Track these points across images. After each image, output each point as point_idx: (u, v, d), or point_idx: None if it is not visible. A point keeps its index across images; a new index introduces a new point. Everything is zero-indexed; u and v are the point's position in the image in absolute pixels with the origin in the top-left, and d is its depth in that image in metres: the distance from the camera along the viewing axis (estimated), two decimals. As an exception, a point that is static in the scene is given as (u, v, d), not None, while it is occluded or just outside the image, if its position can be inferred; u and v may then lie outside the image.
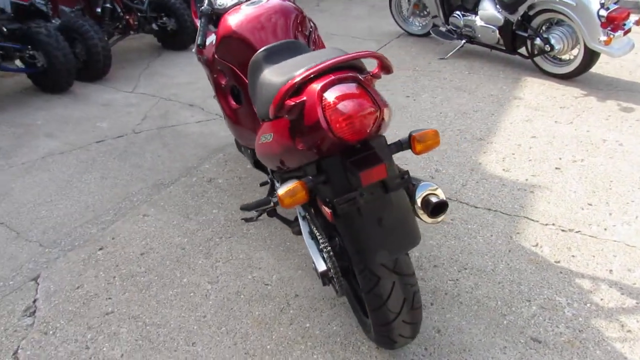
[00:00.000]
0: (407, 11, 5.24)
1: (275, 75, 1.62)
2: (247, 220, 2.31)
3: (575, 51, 3.94)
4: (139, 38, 5.52)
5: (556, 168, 2.88)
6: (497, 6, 4.20)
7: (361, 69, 1.41)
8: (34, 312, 2.07)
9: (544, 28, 4.05)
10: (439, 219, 1.56)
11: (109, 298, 2.12)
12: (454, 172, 2.89)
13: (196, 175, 2.97)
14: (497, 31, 4.23)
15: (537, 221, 2.46)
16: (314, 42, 2.26)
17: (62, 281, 2.21)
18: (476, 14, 4.38)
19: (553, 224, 2.43)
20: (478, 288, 2.08)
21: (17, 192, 2.89)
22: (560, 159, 2.97)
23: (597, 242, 2.30)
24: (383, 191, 1.34)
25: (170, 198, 2.77)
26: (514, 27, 4.12)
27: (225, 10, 2.24)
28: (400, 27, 5.33)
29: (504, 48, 4.32)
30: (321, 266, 1.61)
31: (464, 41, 4.56)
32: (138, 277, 2.22)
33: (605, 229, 2.37)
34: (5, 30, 3.94)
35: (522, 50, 4.25)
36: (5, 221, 2.65)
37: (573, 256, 2.23)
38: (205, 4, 2.31)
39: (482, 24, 4.31)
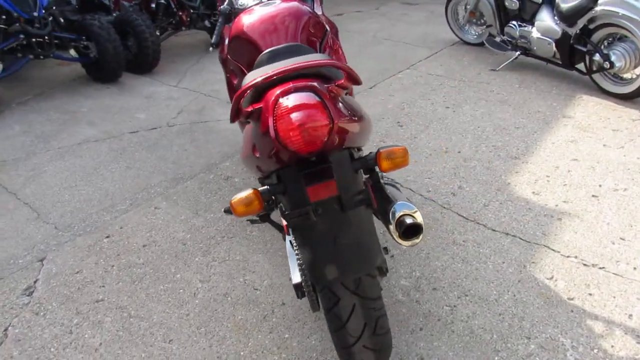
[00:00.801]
0: (463, 19, 5.03)
1: (251, 78, 1.57)
2: (252, 222, 2.28)
3: (638, 70, 3.61)
4: (193, 34, 5.68)
5: (593, 196, 2.64)
6: (555, 18, 3.93)
7: (329, 78, 1.33)
8: (32, 292, 2.14)
9: (605, 43, 3.73)
10: (412, 242, 1.46)
11: (103, 286, 2.16)
12: (478, 191, 2.72)
13: (214, 172, 2.99)
14: (554, 44, 3.96)
15: (558, 252, 2.25)
16: (328, 47, 2.19)
17: (65, 265, 2.29)
18: (533, 25, 4.13)
19: (575, 257, 2.22)
20: (475, 317, 1.93)
21: (48, 175, 3.03)
22: (600, 186, 2.71)
23: (622, 282, 2.07)
24: (340, 208, 1.26)
25: (185, 193, 2.80)
26: (572, 41, 3.84)
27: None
28: (456, 34, 5.14)
29: (560, 62, 4.03)
30: (296, 278, 1.55)
31: (518, 53, 4.31)
32: (134, 268, 2.25)
33: (635, 268, 2.13)
34: (62, 21, 4.16)
35: (580, 65, 3.95)
36: (30, 202, 2.78)
37: (590, 294, 2.02)
38: (225, 4, 2.32)
39: (539, 35, 4.05)
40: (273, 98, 1.22)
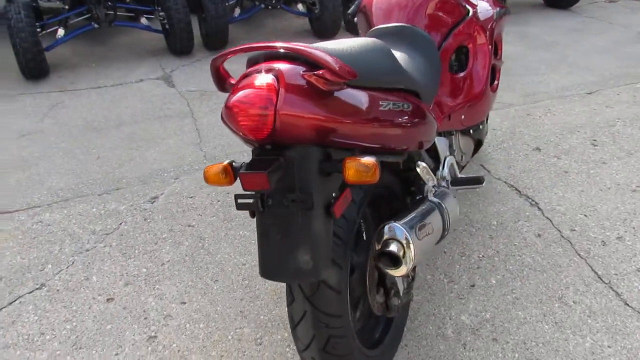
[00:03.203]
0: None
1: None
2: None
3: None
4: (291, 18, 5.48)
5: None
6: None
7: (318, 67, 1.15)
8: (154, 202, 2.54)
9: None
10: (390, 270, 1.24)
11: (200, 215, 2.42)
12: (632, 241, 2.09)
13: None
14: None
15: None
16: (463, 33, 1.90)
17: (186, 188, 2.62)
18: None
19: None
20: (517, 394, 1.55)
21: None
22: None
23: None
24: (285, 205, 1.13)
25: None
26: None
27: None
28: None
29: None
30: None
31: None
32: (232, 208, 2.44)
33: None
34: None
35: None
36: (201, 129, 3.23)
37: None
38: None
39: None
40: (243, 73, 1.15)
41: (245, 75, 1.12)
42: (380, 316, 1.58)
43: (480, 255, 2.12)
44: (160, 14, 4.34)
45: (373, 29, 1.83)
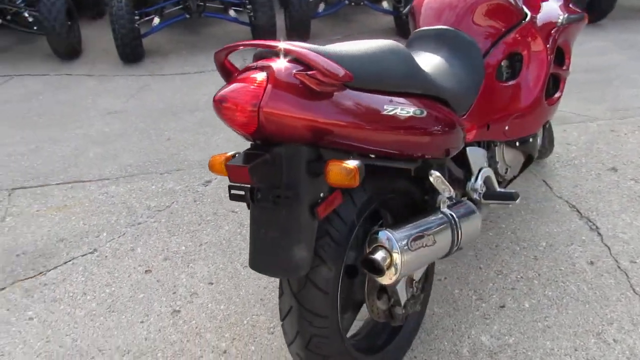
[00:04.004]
0: None
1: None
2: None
3: None
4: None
5: None
6: None
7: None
8: (207, 185, 2.67)
9: None
10: (373, 275, 1.22)
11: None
12: None
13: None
14: None
15: None
16: (517, 39, 1.79)
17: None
18: None
19: None
20: None
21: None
22: None
23: None
24: (272, 199, 1.15)
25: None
26: None
27: None
28: None
29: None
30: None
31: None
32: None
33: None
34: None
35: None
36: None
37: None
38: None
39: None
40: (242, 69, 1.17)
41: (244, 71, 1.15)
42: (385, 323, 1.55)
43: (519, 276, 1.99)
44: (248, 6, 4.53)
45: (416, 30, 1.79)
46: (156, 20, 4.48)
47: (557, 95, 2.03)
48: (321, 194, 1.16)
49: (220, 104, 1.08)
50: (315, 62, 1.06)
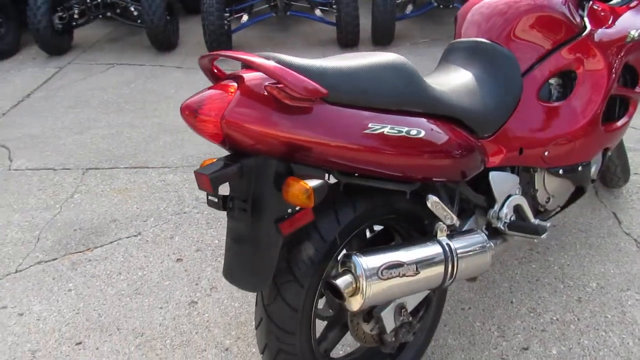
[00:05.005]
0: None
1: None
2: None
3: None
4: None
5: None
6: None
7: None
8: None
9: None
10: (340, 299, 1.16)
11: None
12: None
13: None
14: None
15: None
16: (566, 55, 1.61)
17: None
18: None
19: None
20: None
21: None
22: None
23: None
24: (238, 210, 1.13)
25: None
26: None
27: None
28: None
29: None
30: None
31: None
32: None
33: None
34: None
35: None
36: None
37: None
38: None
39: None
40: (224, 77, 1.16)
41: (225, 78, 1.15)
42: (376, 347, 1.47)
43: (554, 318, 1.80)
44: (334, 6, 4.54)
45: (452, 41, 1.67)
46: (245, 18, 4.65)
47: (622, 121, 1.80)
48: (289, 210, 1.13)
49: (182, 112, 1.09)
50: (280, 76, 1.03)
